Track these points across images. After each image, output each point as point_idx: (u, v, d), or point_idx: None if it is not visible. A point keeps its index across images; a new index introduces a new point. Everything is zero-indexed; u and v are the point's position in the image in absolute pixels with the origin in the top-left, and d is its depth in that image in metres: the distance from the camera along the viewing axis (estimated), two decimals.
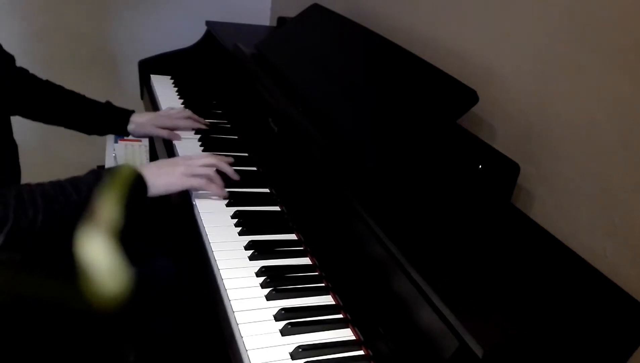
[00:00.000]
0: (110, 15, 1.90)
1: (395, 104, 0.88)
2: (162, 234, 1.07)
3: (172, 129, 1.18)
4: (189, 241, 0.93)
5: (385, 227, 0.70)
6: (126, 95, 1.80)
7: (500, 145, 0.92)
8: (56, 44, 1.86)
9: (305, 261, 0.84)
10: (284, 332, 0.69)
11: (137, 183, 0.86)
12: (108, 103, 1.19)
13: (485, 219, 0.81)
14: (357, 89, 0.96)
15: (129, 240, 0.83)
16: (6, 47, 1.01)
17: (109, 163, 1.53)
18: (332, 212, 0.85)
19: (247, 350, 0.65)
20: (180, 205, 0.98)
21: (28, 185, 0.77)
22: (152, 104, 1.45)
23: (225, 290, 0.74)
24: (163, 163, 0.94)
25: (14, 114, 1.09)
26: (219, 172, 0.96)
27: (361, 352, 0.69)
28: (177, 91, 1.48)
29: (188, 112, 1.23)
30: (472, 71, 0.99)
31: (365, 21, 1.18)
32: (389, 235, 0.69)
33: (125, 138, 1.53)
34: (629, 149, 0.72)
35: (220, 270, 0.78)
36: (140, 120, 1.19)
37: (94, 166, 1.62)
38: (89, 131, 1.19)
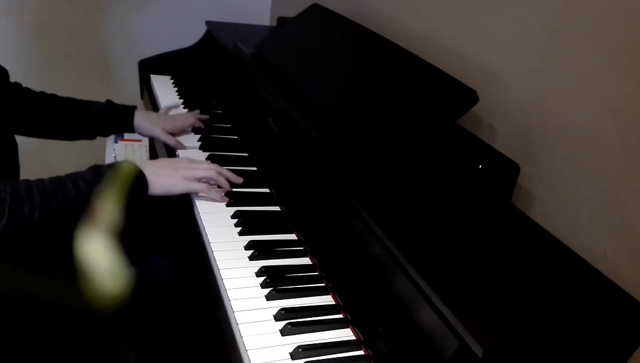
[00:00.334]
0: (110, 15, 1.90)
1: (395, 104, 0.88)
2: (162, 234, 1.07)
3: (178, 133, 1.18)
4: (189, 241, 0.93)
5: (385, 227, 0.70)
6: (126, 95, 1.79)
7: (500, 145, 0.92)
8: (55, 44, 1.86)
9: (305, 261, 0.84)
10: (284, 332, 0.69)
11: (138, 181, 0.85)
12: (109, 102, 1.18)
13: (485, 220, 0.81)
14: (357, 89, 0.96)
15: (129, 239, 0.83)
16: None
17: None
18: (332, 212, 0.85)
19: (247, 350, 0.65)
20: (180, 205, 0.98)
21: (26, 181, 0.76)
22: (152, 104, 1.45)
23: (225, 290, 0.74)
24: (164, 164, 0.94)
25: (14, 133, 1.04)
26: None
27: (361, 352, 0.69)
28: (177, 91, 1.48)
29: (193, 119, 1.22)
30: (472, 71, 0.99)
31: (365, 21, 1.18)
32: (388, 235, 0.69)
33: (125, 137, 1.53)
34: (629, 149, 0.72)
35: (220, 270, 0.78)
36: (150, 119, 1.17)
37: None
38: (93, 135, 1.17)
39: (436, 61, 0.94)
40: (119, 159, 1.53)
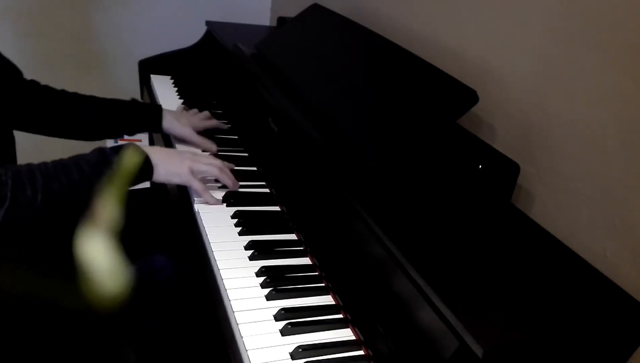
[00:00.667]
0: (110, 15, 1.90)
1: (395, 104, 0.88)
2: (162, 234, 1.07)
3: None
4: (189, 241, 0.93)
5: (385, 227, 0.70)
6: (126, 95, 1.79)
7: (500, 145, 0.92)
8: (55, 44, 1.86)
9: (305, 261, 0.84)
10: (284, 332, 0.69)
11: (144, 165, 0.84)
12: (134, 101, 1.13)
13: (485, 220, 0.81)
14: (357, 89, 0.96)
15: (129, 239, 0.83)
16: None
17: None
18: (332, 212, 0.85)
19: (247, 350, 0.65)
20: (180, 205, 0.98)
21: (28, 164, 0.75)
22: None
23: (225, 290, 0.74)
24: (171, 152, 0.93)
25: (31, 131, 1.02)
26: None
27: (361, 352, 0.69)
28: (177, 91, 1.48)
29: (216, 122, 1.21)
30: (472, 71, 0.99)
31: (365, 21, 1.18)
32: (388, 235, 0.69)
33: (124, 137, 1.52)
34: (629, 149, 0.72)
35: (220, 270, 0.78)
36: (180, 119, 1.13)
37: None
38: (118, 134, 1.14)
39: (436, 61, 0.94)
40: None
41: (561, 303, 0.65)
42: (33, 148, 1.20)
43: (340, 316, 0.74)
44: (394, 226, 0.71)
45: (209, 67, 1.58)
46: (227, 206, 0.94)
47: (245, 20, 1.79)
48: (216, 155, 1.10)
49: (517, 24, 0.90)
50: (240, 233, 0.87)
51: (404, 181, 0.81)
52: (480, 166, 0.83)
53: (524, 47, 0.89)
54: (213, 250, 0.82)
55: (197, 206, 0.92)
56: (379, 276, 0.71)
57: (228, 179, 0.95)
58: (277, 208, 0.97)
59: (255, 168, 1.09)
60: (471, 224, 0.78)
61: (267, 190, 1.02)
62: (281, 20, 1.59)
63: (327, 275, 0.81)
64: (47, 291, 0.82)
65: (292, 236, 0.89)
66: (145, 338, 0.96)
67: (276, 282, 0.77)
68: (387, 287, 0.69)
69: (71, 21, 1.85)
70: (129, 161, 0.81)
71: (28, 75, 1.05)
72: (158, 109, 1.13)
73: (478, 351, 0.54)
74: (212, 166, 0.94)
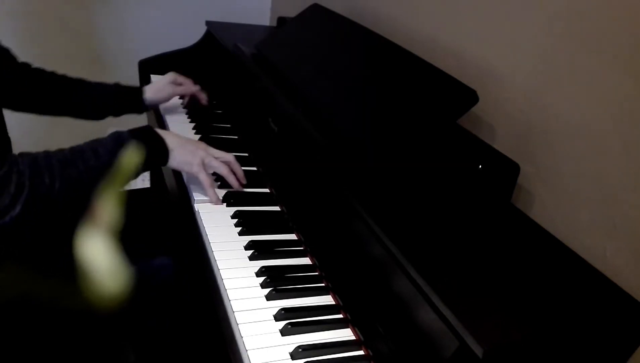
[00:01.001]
0: (110, 15, 1.90)
1: (395, 104, 0.88)
2: (162, 234, 1.07)
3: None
4: (189, 241, 0.93)
5: (385, 227, 0.70)
6: None
7: (500, 145, 0.92)
8: (55, 44, 1.86)
9: (305, 261, 0.84)
10: (284, 332, 0.69)
11: (160, 150, 0.84)
12: (117, 84, 1.19)
13: (485, 220, 0.81)
14: (357, 89, 0.96)
15: (129, 239, 0.83)
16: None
17: None
18: (332, 212, 0.85)
19: (247, 350, 0.65)
20: (180, 205, 0.98)
21: (45, 152, 0.75)
22: None
23: (225, 290, 0.74)
24: (186, 140, 0.93)
25: (21, 110, 1.08)
26: (223, 180, 0.96)
27: (361, 352, 0.69)
28: None
29: (196, 88, 1.27)
30: (472, 71, 0.99)
31: (365, 21, 1.18)
32: (388, 235, 0.69)
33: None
34: (629, 149, 0.72)
35: (220, 270, 0.78)
36: (156, 85, 1.20)
37: None
38: (102, 115, 1.18)
39: (436, 61, 0.94)
40: None
41: (561, 303, 0.65)
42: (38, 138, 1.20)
43: (340, 316, 0.74)
44: (393, 226, 0.71)
45: (209, 68, 1.58)
46: (227, 206, 0.94)
47: (245, 20, 1.79)
48: None
49: (517, 24, 0.90)
50: (240, 233, 0.87)
51: (404, 181, 0.81)
52: (480, 166, 0.83)
53: (524, 47, 0.89)
54: (213, 250, 0.82)
55: (197, 206, 0.92)
56: (379, 276, 0.71)
57: (234, 181, 0.95)
58: (277, 208, 0.97)
59: (255, 168, 1.09)
60: (471, 224, 0.78)
61: (267, 190, 1.02)
62: (281, 20, 1.59)
63: (327, 275, 0.81)
64: (47, 291, 0.82)
65: (292, 236, 0.89)
66: (145, 338, 0.96)
67: (276, 282, 0.77)
68: (387, 287, 0.69)
69: (71, 21, 1.85)
70: (146, 146, 0.81)
71: None
72: (138, 88, 1.20)
73: (478, 351, 0.54)
74: (222, 165, 0.94)
